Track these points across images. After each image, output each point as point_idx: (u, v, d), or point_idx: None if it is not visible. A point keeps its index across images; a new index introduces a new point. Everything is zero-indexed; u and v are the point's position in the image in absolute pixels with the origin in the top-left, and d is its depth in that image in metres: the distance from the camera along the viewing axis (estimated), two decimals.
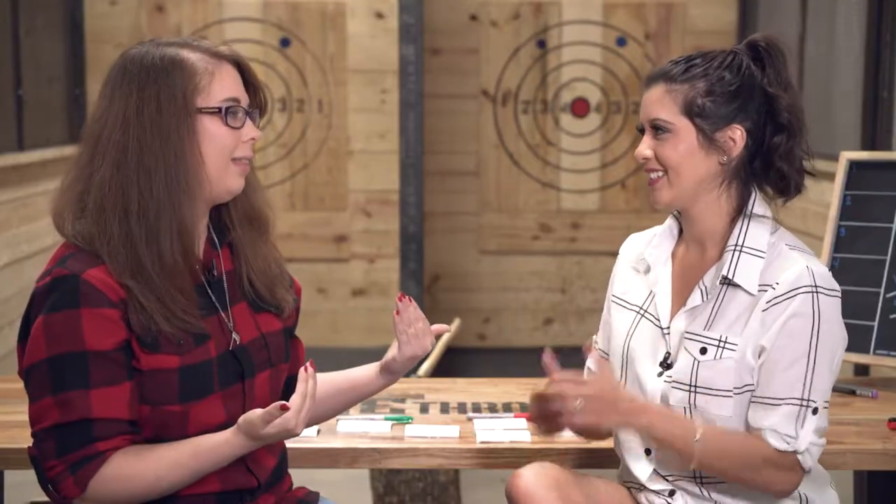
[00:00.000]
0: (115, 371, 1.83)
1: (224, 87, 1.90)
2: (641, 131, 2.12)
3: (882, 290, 2.80)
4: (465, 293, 6.71)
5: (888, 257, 2.81)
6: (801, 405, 2.00)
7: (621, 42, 6.61)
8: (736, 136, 2.05)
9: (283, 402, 1.84)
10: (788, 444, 2.00)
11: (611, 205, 6.68)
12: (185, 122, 1.86)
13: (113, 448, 1.84)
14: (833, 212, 2.89)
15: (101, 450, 1.83)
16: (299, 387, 1.86)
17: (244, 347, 1.96)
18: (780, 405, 2.00)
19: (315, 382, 1.87)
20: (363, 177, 6.49)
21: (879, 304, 2.79)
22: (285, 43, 6.47)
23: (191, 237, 1.89)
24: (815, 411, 2.00)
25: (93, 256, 1.86)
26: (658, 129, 2.07)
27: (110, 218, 1.85)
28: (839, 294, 2.04)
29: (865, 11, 4.71)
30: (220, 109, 1.89)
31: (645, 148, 2.09)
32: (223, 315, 1.96)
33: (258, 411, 1.84)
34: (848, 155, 2.94)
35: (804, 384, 1.99)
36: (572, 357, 6.84)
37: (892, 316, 2.78)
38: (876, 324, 2.78)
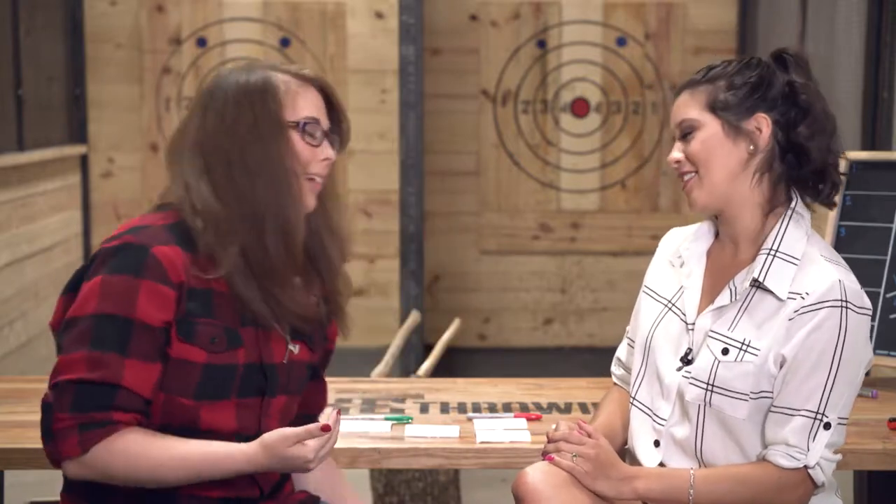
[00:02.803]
0: (152, 349, 1.86)
1: (306, 105, 1.98)
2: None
3: (882, 290, 2.80)
4: (465, 293, 6.71)
5: (888, 257, 2.81)
6: (815, 418, 1.99)
7: (621, 42, 6.61)
8: (762, 125, 2.06)
9: (325, 423, 1.88)
10: (798, 459, 1.99)
11: (611, 205, 6.67)
12: (280, 133, 1.95)
13: (125, 423, 1.84)
14: (833, 212, 2.89)
15: (115, 419, 1.83)
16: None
17: (273, 366, 1.98)
18: (794, 416, 2.00)
19: (338, 431, 1.92)
20: (363, 177, 6.50)
21: (879, 304, 2.79)
22: (285, 43, 6.47)
23: (294, 236, 1.94)
24: (827, 426, 1.99)
25: (168, 234, 1.90)
26: (686, 131, 2.10)
27: (221, 218, 1.91)
28: (869, 312, 2.03)
29: (865, 11, 4.71)
30: (298, 124, 1.96)
31: (675, 152, 2.13)
32: (278, 328, 1.98)
33: (291, 429, 1.88)
34: (848, 155, 2.93)
35: (821, 397, 1.99)
36: (573, 357, 6.87)
37: (892, 316, 2.78)
38: (876, 324, 2.78)
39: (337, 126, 2.05)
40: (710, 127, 2.08)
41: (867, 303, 2.03)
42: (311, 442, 1.87)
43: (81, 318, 1.85)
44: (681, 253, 2.20)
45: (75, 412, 1.81)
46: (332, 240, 2.06)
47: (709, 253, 2.18)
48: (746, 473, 2.03)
